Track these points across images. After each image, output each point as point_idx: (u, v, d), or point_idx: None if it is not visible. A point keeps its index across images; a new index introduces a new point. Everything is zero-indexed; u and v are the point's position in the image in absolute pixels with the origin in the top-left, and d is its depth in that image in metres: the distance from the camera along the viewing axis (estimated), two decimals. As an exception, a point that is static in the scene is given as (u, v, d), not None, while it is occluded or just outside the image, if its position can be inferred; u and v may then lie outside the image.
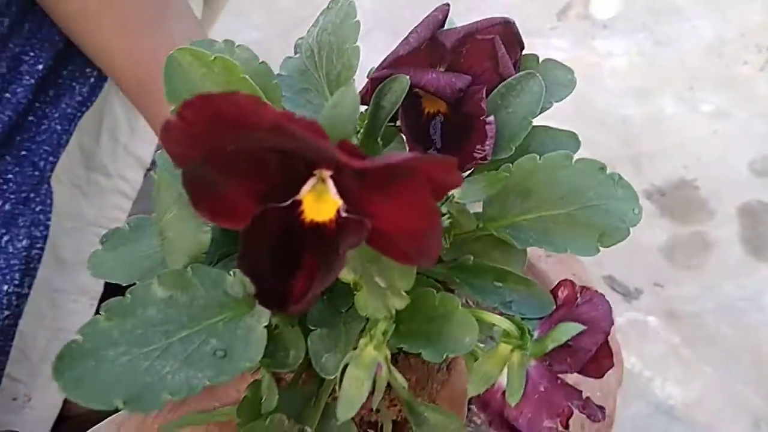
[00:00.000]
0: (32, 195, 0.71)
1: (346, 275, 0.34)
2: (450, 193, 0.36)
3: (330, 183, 0.27)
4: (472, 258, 0.37)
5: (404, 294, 0.31)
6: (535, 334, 0.35)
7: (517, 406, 0.33)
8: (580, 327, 0.32)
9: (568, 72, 0.40)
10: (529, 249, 0.38)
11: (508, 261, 0.39)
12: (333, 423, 0.39)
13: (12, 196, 0.69)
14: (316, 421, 0.38)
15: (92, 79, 0.75)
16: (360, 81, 0.38)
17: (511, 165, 0.37)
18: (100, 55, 0.70)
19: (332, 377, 0.38)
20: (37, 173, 0.71)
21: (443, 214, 0.37)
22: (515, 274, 0.36)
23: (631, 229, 0.36)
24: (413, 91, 0.38)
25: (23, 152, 0.71)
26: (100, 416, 0.42)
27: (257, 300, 0.26)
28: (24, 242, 0.69)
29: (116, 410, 0.29)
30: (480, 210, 0.40)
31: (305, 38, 0.43)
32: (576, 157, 0.37)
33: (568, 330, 0.32)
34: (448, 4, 0.36)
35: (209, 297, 0.33)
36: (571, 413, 0.32)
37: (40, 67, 0.70)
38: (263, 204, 0.27)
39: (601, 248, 0.36)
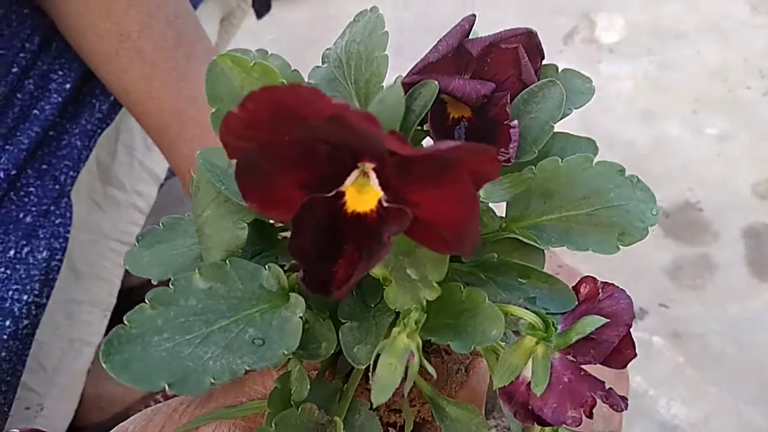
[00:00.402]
0: (53, 208, 0.73)
1: (377, 270, 0.35)
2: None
3: (372, 175, 0.28)
4: (496, 256, 0.38)
5: (436, 285, 0.32)
6: (559, 328, 0.36)
7: (542, 396, 0.34)
8: (603, 320, 0.34)
9: (586, 81, 0.42)
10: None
11: (528, 262, 0.41)
12: (358, 418, 0.40)
13: (33, 209, 0.71)
14: (344, 414, 0.39)
15: (112, 98, 0.77)
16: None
17: (533, 167, 0.39)
18: (123, 96, 0.72)
19: (361, 369, 0.39)
20: (57, 187, 0.73)
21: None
22: (538, 271, 0.38)
23: (649, 229, 0.37)
24: (439, 96, 0.39)
25: (44, 166, 0.73)
26: (111, 426, 0.43)
27: (303, 283, 0.28)
28: (44, 254, 0.71)
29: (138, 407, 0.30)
30: (495, 213, 0.42)
31: (333, 49, 0.45)
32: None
33: (591, 323, 0.34)
34: (474, 15, 0.38)
35: (246, 289, 0.35)
36: (595, 403, 0.33)
37: (68, 86, 0.73)
38: (309, 194, 0.28)
39: (620, 247, 0.37)
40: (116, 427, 0.44)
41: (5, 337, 0.67)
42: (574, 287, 0.37)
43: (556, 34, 1.68)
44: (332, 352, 0.36)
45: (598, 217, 0.38)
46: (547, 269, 0.40)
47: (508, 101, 0.38)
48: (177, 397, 0.45)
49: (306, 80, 0.44)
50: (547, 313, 0.36)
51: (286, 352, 0.33)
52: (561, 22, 1.73)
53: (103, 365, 0.29)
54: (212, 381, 0.30)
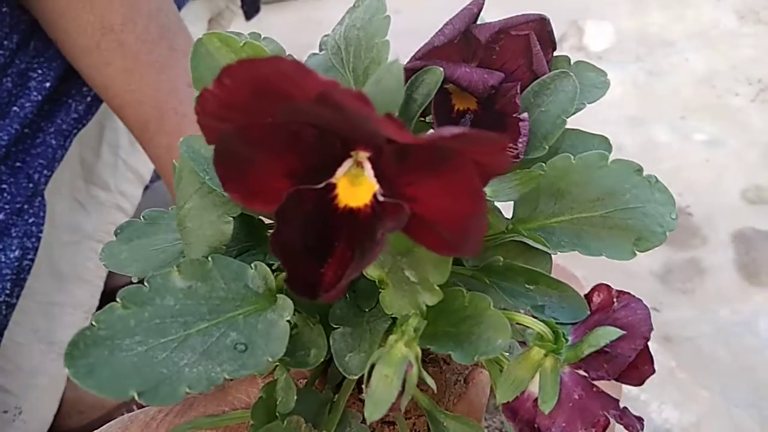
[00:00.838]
0: (26, 206, 0.71)
1: (372, 271, 0.32)
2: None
3: (367, 165, 0.25)
4: (501, 259, 0.35)
5: (437, 289, 0.30)
6: (569, 340, 0.33)
7: (550, 414, 0.31)
8: (619, 332, 0.31)
9: (600, 74, 0.39)
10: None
11: (533, 267, 0.38)
12: (349, 431, 0.37)
13: (6, 207, 0.69)
14: (334, 428, 0.36)
15: (89, 98, 0.76)
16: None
17: (543, 164, 0.36)
18: (103, 91, 0.71)
19: (353, 379, 0.36)
20: (31, 185, 0.71)
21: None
22: (547, 277, 0.35)
23: (668, 233, 0.35)
24: (443, 86, 0.37)
25: (18, 164, 0.71)
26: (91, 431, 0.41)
27: (288, 285, 0.25)
28: (16, 252, 0.69)
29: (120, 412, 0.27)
30: (501, 213, 0.39)
31: (330, 35, 0.42)
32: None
33: (606, 334, 0.31)
34: (483, -1, 0.36)
35: (229, 289, 0.32)
36: (608, 423, 0.31)
37: (48, 84, 0.72)
38: (296, 185, 0.25)
39: (637, 252, 0.35)
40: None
41: None
42: (586, 295, 0.34)
43: (545, 40, 1.67)
44: (322, 359, 0.33)
45: (612, 220, 0.35)
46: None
47: (518, 92, 0.35)
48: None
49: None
50: (556, 323, 0.33)
51: (271, 359, 0.30)
52: (549, 29, 1.72)
53: (66, 370, 0.26)
54: (188, 390, 0.27)
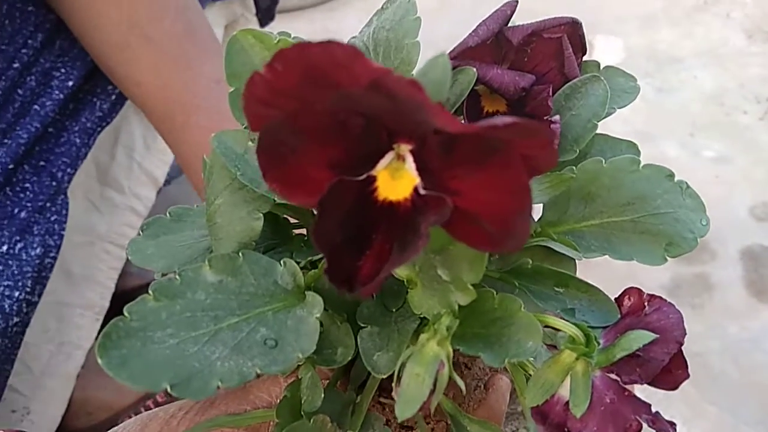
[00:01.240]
0: (48, 204, 0.71)
1: (402, 269, 0.32)
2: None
3: (409, 158, 0.25)
4: (530, 262, 0.35)
5: (470, 288, 0.29)
6: (600, 343, 0.33)
7: (581, 418, 0.30)
8: (652, 335, 0.30)
9: (630, 79, 0.39)
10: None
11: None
12: (372, 433, 0.37)
13: (29, 205, 0.69)
14: (357, 429, 0.36)
15: (113, 96, 0.77)
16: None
17: (574, 168, 0.36)
18: (131, 87, 0.71)
19: (376, 379, 0.36)
20: (54, 184, 0.71)
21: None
22: (577, 280, 0.34)
23: (698, 240, 0.34)
24: (473, 87, 0.37)
25: (42, 163, 0.71)
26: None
27: (326, 277, 0.25)
28: (38, 250, 0.69)
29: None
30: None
31: (358, 37, 0.42)
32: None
33: (638, 338, 0.30)
34: (516, 0, 0.36)
35: (259, 285, 0.32)
36: (640, 427, 0.30)
37: (71, 83, 0.72)
38: (337, 176, 0.25)
39: (667, 258, 0.34)
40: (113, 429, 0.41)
41: None
42: (616, 299, 0.34)
43: (555, 56, 1.68)
44: (349, 358, 0.33)
45: (643, 225, 0.35)
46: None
47: (550, 94, 0.35)
48: (173, 402, 0.42)
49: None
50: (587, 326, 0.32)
51: (301, 356, 0.29)
52: (559, 45, 1.74)
53: (99, 360, 0.26)
54: (219, 384, 0.27)
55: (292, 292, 0.32)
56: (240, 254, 0.31)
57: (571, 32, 0.36)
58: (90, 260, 0.81)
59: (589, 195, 0.36)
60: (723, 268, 1.27)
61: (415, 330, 0.33)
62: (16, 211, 0.68)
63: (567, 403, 0.31)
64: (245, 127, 0.34)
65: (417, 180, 0.25)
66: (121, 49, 0.68)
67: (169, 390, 0.26)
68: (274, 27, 1.02)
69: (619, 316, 0.33)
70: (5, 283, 0.66)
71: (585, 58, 0.39)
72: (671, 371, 0.31)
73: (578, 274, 0.36)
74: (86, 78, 0.74)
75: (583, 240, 0.36)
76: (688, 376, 0.31)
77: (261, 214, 0.33)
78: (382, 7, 0.41)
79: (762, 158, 1.48)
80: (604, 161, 0.35)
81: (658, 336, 0.30)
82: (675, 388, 0.31)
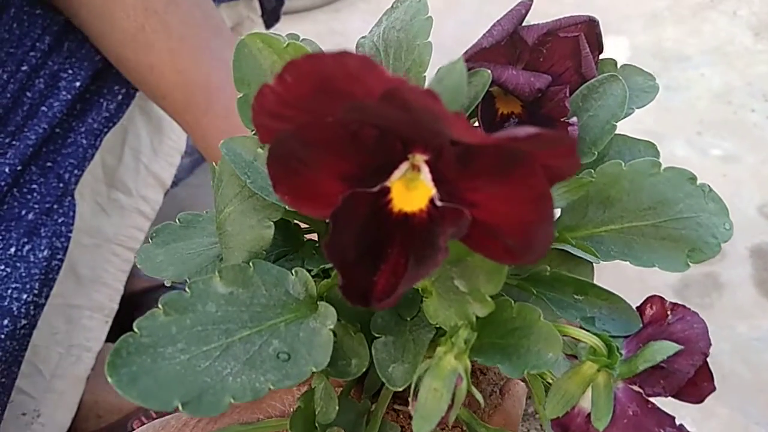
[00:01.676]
0: (55, 206, 0.70)
1: (418, 280, 0.31)
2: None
3: (425, 169, 0.24)
4: (548, 269, 0.34)
5: (488, 300, 0.28)
6: (622, 354, 0.32)
7: (603, 431, 0.30)
8: (676, 347, 0.29)
9: (649, 78, 0.38)
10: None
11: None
12: (387, 444, 0.36)
13: (36, 206, 0.69)
14: (373, 440, 0.35)
15: (120, 96, 0.76)
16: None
17: (592, 171, 0.35)
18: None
19: (391, 389, 0.35)
20: (61, 185, 0.71)
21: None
22: (597, 287, 0.33)
23: (722, 245, 0.33)
24: (488, 89, 0.36)
25: (49, 164, 0.71)
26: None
27: (341, 292, 0.24)
28: (45, 252, 0.68)
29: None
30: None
31: (368, 38, 0.41)
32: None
33: (662, 349, 0.29)
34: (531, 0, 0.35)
35: (270, 296, 0.31)
36: (664, 441, 0.29)
37: (78, 84, 0.72)
38: (350, 188, 0.24)
39: (690, 264, 0.33)
40: None
41: (2, 336, 0.64)
42: (638, 307, 0.33)
43: (561, 55, 1.67)
44: (364, 369, 0.32)
45: (665, 230, 0.34)
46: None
47: (567, 95, 0.34)
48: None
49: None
50: (608, 336, 0.32)
51: (314, 369, 0.29)
52: (566, 44, 1.72)
53: (109, 380, 0.26)
54: (232, 400, 0.26)
55: (305, 303, 0.32)
56: (251, 264, 0.31)
57: (588, 31, 0.35)
58: (98, 262, 0.81)
59: (609, 199, 0.34)
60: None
61: (431, 340, 0.32)
62: (23, 212, 0.68)
63: (588, 415, 0.30)
64: (254, 134, 0.33)
65: (433, 191, 0.24)
66: (138, 36, 0.67)
67: (180, 409, 0.25)
68: (280, 28, 1.01)
69: (640, 325, 0.32)
70: (13, 286, 0.66)
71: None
72: (696, 383, 0.30)
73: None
74: (93, 79, 0.73)
75: (602, 245, 0.35)
76: (714, 388, 0.30)
77: (272, 223, 0.32)
78: (392, 7, 0.40)
79: (771, 156, 1.47)
80: (623, 164, 0.34)
81: (682, 347, 0.29)
82: (701, 401, 0.30)
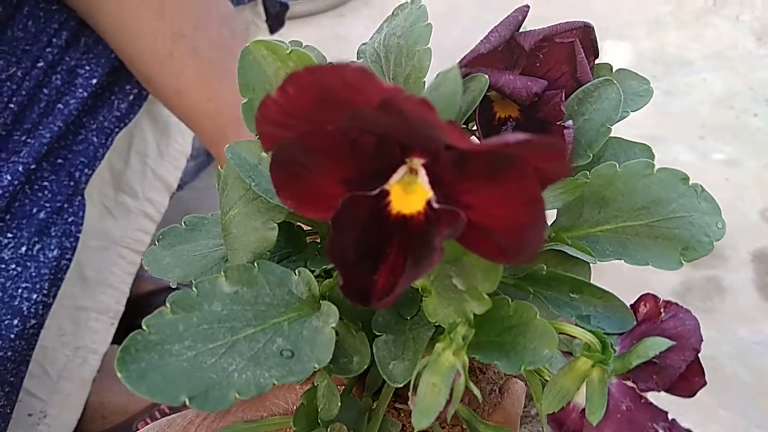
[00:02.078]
0: (66, 205, 0.71)
1: (417, 279, 0.32)
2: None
3: (422, 172, 0.25)
4: (545, 268, 0.35)
5: (485, 297, 0.29)
6: (616, 350, 0.32)
7: (597, 426, 0.30)
8: (669, 342, 0.30)
9: (643, 82, 0.39)
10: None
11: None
12: (388, 440, 0.37)
13: (47, 205, 0.69)
14: (374, 436, 0.36)
15: (131, 97, 0.76)
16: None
17: (587, 173, 0.35)
18: (177, 99, 0.70)
19: (392, 387, 0.36)
20: (72, 184, 0.72)
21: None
22: (592, 286, 0.34)
23: (714, 243, 0.34)
24: (485, 94, 0.37)
25: (60, 161, 0.71)
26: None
27: (342, 292, 0.25)
28: (55, 252, 0.69)
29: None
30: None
31: (369, 44, 0.42)
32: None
33: (654, 345, 0.30)
34: (527, 6, 0.36)
35: (274, 295, 0.32)
36: (657, 436, 0.30)
37: (95, 81, 0.72)
38: (350, 192, 0.25)
39: (683, 263, 0.34)
40: None
41: (12, 336, 0.64)
42: (632, 305, 0.34)
43: (563, 60, 1.68)
44: (365, 367, 0.33)
45: (658, 230, 0.34)
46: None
47: (563, 99, 0.35)
48: (189, 408, 0.43)
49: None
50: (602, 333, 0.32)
51: (317, 366, 0.29)
52: (568, 49, 1.73)
53: (118, 375, 0.26)
54: (237, 396, 0.27)
55: (307, 302, 0.33)
56: (255, 264, 0.32)
57: (583, 36, 0.36)
58: (105, 265, 0.82)
59: (604, 199, 0.35)
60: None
61: (431, 338, 0.33)
62: (34, 210, 0.69)
63: (583, 410, 0.31)
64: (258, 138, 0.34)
65: (430, 194, 0.25)
66: (166, 61, 0.67)
67: (187, 403, 0.26)
68: (284, 33, 1.02)
69: (634, 322, 0.33)
70: (23, 285, 0.67)
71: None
72: (688, 378, 0.31)
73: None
74: (109, 75, 0.74)
75: (598, 245, 0.35)
76: (705, 383, 0.31)
77: (275, 225, 0.33)
78: (393, 13, 0.41)
79: (773, 161, 1.47)
80: (617, 165, 0.35)
81: (674, 343, 0.30)
82: (692, 395, 0.31)
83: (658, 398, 0.31)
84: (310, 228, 0.40)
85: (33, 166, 0.68)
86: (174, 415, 0.41)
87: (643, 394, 0.31)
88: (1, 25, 0.66)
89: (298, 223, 0.39)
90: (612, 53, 1.71)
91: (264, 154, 0.34)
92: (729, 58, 1.71)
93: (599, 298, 0.34)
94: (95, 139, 0.74)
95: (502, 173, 0.23)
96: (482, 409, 0.45)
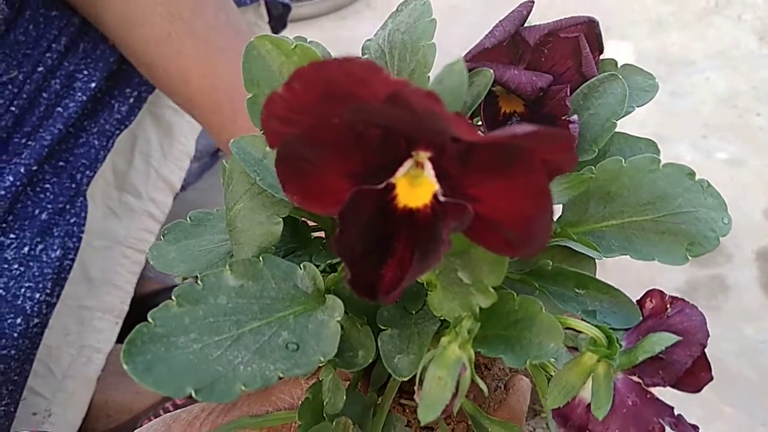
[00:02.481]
0: (68, 206, 0.72)
1: (422, 273, 0.32)
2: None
3: (428, 166, 0.25)
4: (550, 263, 0.35)
5: (491, 291, 0.29)
6: (622, 345, 0.32)
7: (603, 420, 0.30)
8: (675, 338, 0.30)
9: (648, 77, 0.39)
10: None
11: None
12: (393, 435, 0.37)
13: (49, 206, 0.70)
14: (380, 430, 0.36)
15: (132, 99, 0.77)
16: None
17: (593, 168, 0.35)
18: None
19: (397, 381, 0.36)
20: (73, 185, 0.72)
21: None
22: (597, 281, 0.34)
23: (720, 239, 0.34)
24: (490, 88, 0.37)
25: (61, 163, 0.72)
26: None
27: (349, 286, 0.25)
28: (57, 252, 0.70)
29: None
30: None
31: (373, 40, 0.42)
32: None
33: (661, 340, 0.30)
34: (532, 1, 0.36)
35: (279, 289, 0.32)
36: (663, 430, 0.30)
37: (93, 85, 0.73)
38: (356, 186, 0.25)
39: (689, 258, 0.34)
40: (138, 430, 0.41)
41: (16, 335, 0.65)
42: (638, 301, 0.34)
43: (566, 60, 1.68)
44: (370, 360, 0.33)
45: (664, 225, 0.34)
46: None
47: (568, 94, 0.35)
48: (195, 403, 0.43)
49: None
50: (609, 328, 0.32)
51: (322, 359, 0.29)
52: (571, 49, 1.73)
53: (125, 366, 0.27)
54: (243, 388, 0.27)
55: (313, 296, 0.33)
56: (260, 258, 0.32)
57: (588, 31, 0.36)
58: (109, 265, 0.82)
59: (609, 195, 0.35)
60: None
61: (436, 332, 0.33)
62: (36, 212, 0.69)
63: (589, 405, 0.31)
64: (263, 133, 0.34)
65: (436, 187, 0.25)
66: (164, 42, 0.68)
67: (193, 395, 0.26)
68: (289, 36, 1.02)
69: (640, 318, 0.33)
70: (27, 285, 0.67)
71: (599, 58, 0.39)
72: (694, 373, 0.30)
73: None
74: (108, 79, 0.75)
75: (604, 240, 0.35)
76: (711, 378, 0.31)
77: (280, 219, 0.33)
78: (397, 9, 0.41)
79: (776, 160, 1.48)
80: (623, 161, 0.35)
81: (681, 338, 0.30)
82: (698, 390, 0.31)
83: (662, 395, 0.31)
84: (314, 224, 0.41)
85: (35, 168, 0.69)
86: (179, 411, 0.41)
87: (648, 389, 0.31)
88: (4, 28, 0.66)
89: (303, 219, 0.39)
90: (614, 53, 1.71)
91: (269, 149, 0.34)
92: (731, 57, 1.71)
93: (605, 293, 0.34)
94: (96, 142, 0.75)
95: (510, 165, 0.23)
96: (488, 405, 0.45)
